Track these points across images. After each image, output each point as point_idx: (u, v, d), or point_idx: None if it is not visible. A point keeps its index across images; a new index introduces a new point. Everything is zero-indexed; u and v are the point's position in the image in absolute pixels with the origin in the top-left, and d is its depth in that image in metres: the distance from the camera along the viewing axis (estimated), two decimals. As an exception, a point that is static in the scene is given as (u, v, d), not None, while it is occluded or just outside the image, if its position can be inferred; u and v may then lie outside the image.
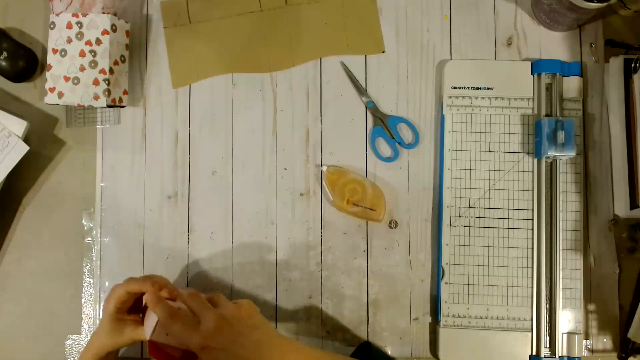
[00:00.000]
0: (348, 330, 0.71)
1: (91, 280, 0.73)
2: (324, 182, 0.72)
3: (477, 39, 0.74)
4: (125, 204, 0.74)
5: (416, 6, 0.75)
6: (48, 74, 0.70)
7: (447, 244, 0.70)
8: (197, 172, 0.74)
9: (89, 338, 0.64)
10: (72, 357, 0.72)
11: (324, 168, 0.72)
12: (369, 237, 0.72)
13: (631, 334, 0.68)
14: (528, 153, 0.71)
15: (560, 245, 0.69)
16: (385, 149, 0.73)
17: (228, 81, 0.75)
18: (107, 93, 0.69)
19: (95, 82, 0.69)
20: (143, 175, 0.74)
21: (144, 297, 0.58)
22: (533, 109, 0.71)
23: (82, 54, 0.69)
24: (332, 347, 0.71)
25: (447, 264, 0.70)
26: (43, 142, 0.75)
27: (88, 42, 0.69)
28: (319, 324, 0.71)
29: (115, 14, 0.70)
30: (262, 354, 0.54)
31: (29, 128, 0.72)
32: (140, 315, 0.61)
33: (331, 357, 0.62)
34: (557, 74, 0.71)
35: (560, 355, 0.67)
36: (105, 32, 0.69)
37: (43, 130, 0.75)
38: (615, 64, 0.72)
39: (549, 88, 0.71)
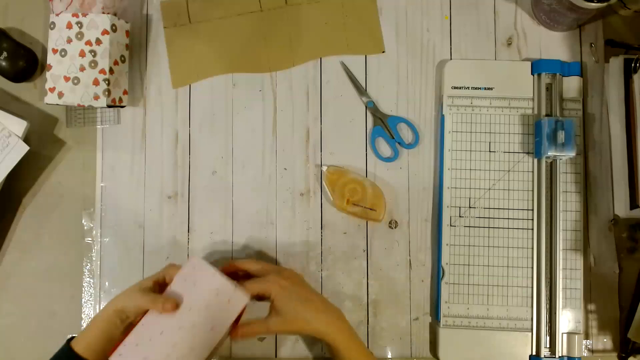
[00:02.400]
0: (348, 330, 0.71)
1: (91, 280, 0.73)
2: (324, 182, 0.72)
3: (477, 39, 0.74)
4: (125, 204, 0.74)
5: (416, 6, 0.75)
6: (48, 74, 0.70)
7: (447, 244, 0.70)
8: (197, 172, 0.74)
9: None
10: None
11: (324, 168, 0.72)
12: (369, 237, 0.72)
13: (631, 334, 0.68)
14: (528, 153, 0.71)
15: (560, 245, 0.69)
16: (385, 149, 0.73)
17: (228, 81, 0.75)
18: (107, 93, 0.69)
19: (95, 82, 0.69)
20: (143, 175, 0.74)
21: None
22: (533, 109, 0.71)
23: (82, 54, 0.69)
24: (332, 347, 0.71)
25: (447, 264, 0.70)
26: (43, 142, 0.75)
27: (88, 42, 0.69)
28: (319, 324, 0.71)
29: (115, 14, 0.70)
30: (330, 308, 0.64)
31: (29, 128, 0.72)
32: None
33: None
34: (557, 74, 0.71)
35: (560, 355, 0.67)
36: (105, 32, 0.69)
37: (43, 130, 0.75)
38: (615, 64, 0.72)
39: (549, 88, 0.71)
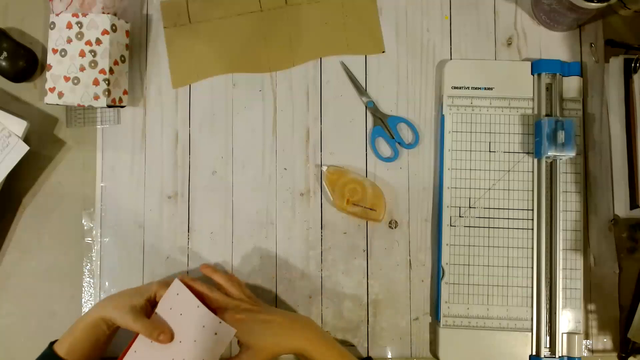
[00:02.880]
0: (348, 330, 0.71)
1: (91, 280, 0.73)
2: (324, 182, 0.72)
3: (477, 39, 0.74)
4: (125, 204, 0.74)
5: (416, 6, 0.75)
6: (48, 74, 0.70)
7: (447, 244, 0.70)
8: (197, 172, 0.74)
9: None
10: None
11: (324, 168, 0.72)
12: (369, 237, 0.72)
13: (631, 334, 0.68)
14: (528, 153, 0.71)
15: (560, 245, 0.69)
16: (385, 149, 0.73)
17: (228, 81, 0.75)
18: (107, 93, 0.69)
19: (95, 82, 0.69)
20: (143, 175, 0.74)
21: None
22: (533, 109, 0.71)
23: (82, 54, 0.69)
24: (332, 347, 0.71)
25: (447, 264, 0.70)
26: (43, 142, 0.75)
27: (88, 42, 0.69)
28: (319, 324, 0.71)
29: (115, 14, 0.70)
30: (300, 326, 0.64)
31: (29, 128, 0.72)
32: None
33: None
34: (557, 74, 0.71)
35: (560, 355, 0.67)
36: (105, 32, 0.69)
37: (43, 130, 0.75)
38: (615, 64, 0.72)
39: (549, 88, 0.71)
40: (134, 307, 0.62)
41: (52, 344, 0.63)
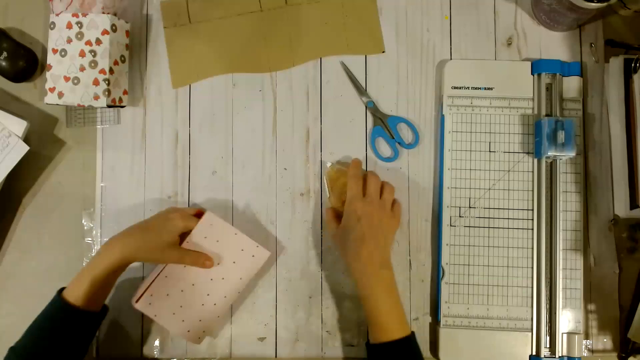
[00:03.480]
0: (348, 330, 0.71)
1: (91, 280, 0.73)
2: (324, 178, 0.72)
3: (477, 39, 0.74)
4: (125, 204, 0.74)
5: (416, 6, 0.75)
6: (48, 74, 0.70)
7: (447, 244, 0.70)
8: (197, 172, 0.74)
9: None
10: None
11: (328, 164, 0.72)
12: (369, 237, 0.72)
13: (631, 334, 0.68)
14: (528, 153, 0.71)
15: (560, 245, 0.69)
16: (385, 149, 0.73)
17: (228, 81, 0.75)
18: (107, 93, 0.69)
19: (95, 82, 0.69)
20: (143, 175, 0.74)
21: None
22: (533, 109, 0.71)
23: (82, 54, 0.69)
24: (332, 347, 0.71)
25: (447, 264, 0.70)
26: (43, 142, 0.75)
27: (88, 42, 0.69)
28: (319, 324, 0.71)
29: (115, 14, 0.70)
30: (372, 249, 0.64)
31: (29, 128, 0.72)
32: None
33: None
34: (557, 74, 0.71)
35: (560, 355, 0.67)
36: (105, 32, 0.69)
37: (43, 130, 0.75)
38: (615, 64, 0.72)
39: (549, 88, 0.71)
40: (170, 244, 0.65)
41: (60, 291, 0.63)
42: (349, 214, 0.66)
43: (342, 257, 0.67)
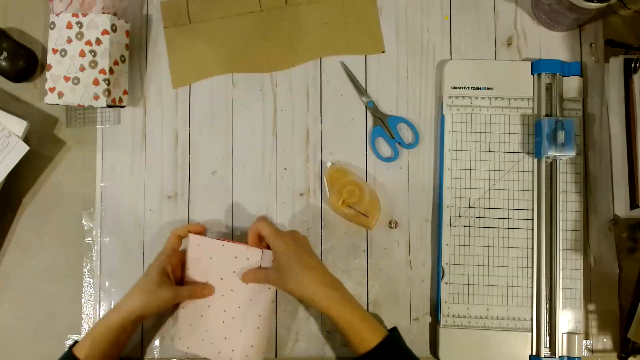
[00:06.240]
0: (348, 330, 0.71)
1: (91, 280, 0.73)
2: (324, 178, 0.72)
3: (477, 39, 0.74)
4: (125, 204, 0.74)
5: (416, 6, 0.75)
6: (48, 74, 0.70)
7: (447, 244, 0.70)
8: (197, 172, 0.74)
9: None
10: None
11: (329, 164, 0.72)
12: (369, 237, 0.72)
13: (631, 334, 0.68)
14: (528, 153, 0.71)
15: (560, 245, 0.69)
16: (385, 149, 0.73)
17: (228, 81, 0.75)
18: (107, 93, 0.69)
19: (95, 82, 0.69)
20: (143, 175, 0.74)
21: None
22: (533, 109, 0.71)
23: (82, 54, 0.69)
24: (332, 347, 0.71)
25: (447, 264, 0.70)
26: (43, 142, 0.75)
27: (88, 42, 0.69)
28: (319, 324, 0.71)
29: (115, 14, 0.70)
30: (316, 273, 0.64)
31: (29, 128, 0.72)
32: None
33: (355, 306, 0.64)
34: (557, 74, 0.71)
35: (560, 355, 0.67)
36: (105, 32, 0.69)
37: (43, 130, 0.75)
38: (615, 64, 0.72)
39: (549, 88, 0.71)
40: (162, 284, 0.65)
41: (72, 347, 0.63)
42: (280, 251, 0.64)
43: (296, 293, 0.63)
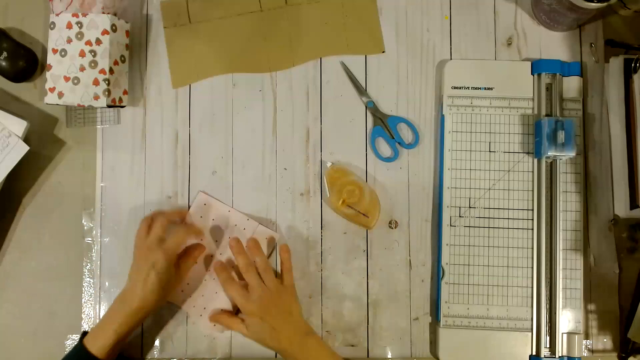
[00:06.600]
0: (348, 330, 0.71)
1: (91, 280, 0.73)
2: (324, 178, 0.72)
3: (477, 39, 0.74)
4: (125, 204, 0.74)
5: (416, 6, 0.75)
6: (48, 74, 0.70)
7: (447, 244, 0.70)
8: (197, 172, 0.74)
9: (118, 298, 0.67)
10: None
11: (329, 164, 0.72)
12: (369, 237, 0.72)
13: (631, 334, 0.68)
14: (528, 153, 0.71)
15: (560, 245, 0.69)
16: (385, 149, 0.73)
17: (228, 81, 0.75)
18: (107, 93, 0.69)
19: (95, 82, 0.69)
20: (143, 175, 0.74)
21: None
22: (533, 109, 0.71)
23: (82, 54, 0.69)
24: (332, 347, 0.71)
25: (447, 264, 0.70)
26: (43, 142, 0.75)
27: (88, 42, 0.69)
28: (319, 324, 0.71)
29: (115, 14, 0.70)
30: (288, 329, 0.66)
31: (29, 128, 0.72)
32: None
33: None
34: (557, 74, 0.71)
35: (560, 355, 0.67)
36: (105, 32, 0.69)
37: (43, 130, 0.75)
38: (615, 64, 0.72)
39: (549, 88, 0.71)
40: (171, 278, 0.66)
41: (82, 337, 0.64)
42: (249, 319, 0.66)
43: (269, 348, 0.68)
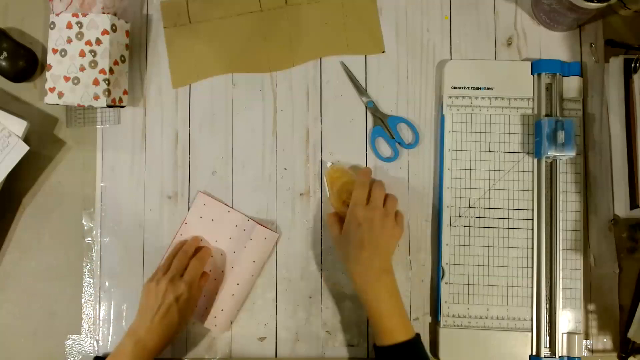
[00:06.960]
0: (348, 330, 0.71)
1: (91, 280, 0.73)
2: (324, 178, 0.72)
3: (477, 39, 0.74)
4: (125, 204, 0.74)
5: (416, 6, 0.75)
6: (48, 74, 0.70)
7: (447, 244, 0.70)
8: (197, 172, 0.74)
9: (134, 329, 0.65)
10: (72, 357, 0.72)
11: (328, 164, 0.72)
12: (369, 237, 0.72)
13: (631, 334, 0.68)
14: (528, 153, 0.71)
15: (560, 245, 0.69)
16: (385, 149, 0.73)
17: (228, 81, 0.75)
18: (107, 93, 0.69)
19: (95, 82, 0.69)
20: (143, 175, 0.74)
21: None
22: (533, 109, 0.71)
23: (82, 54, 0.69)
24: (332, 347, 0.71)
25: (447, 264, 0.70)
26: (43, 142, 0.75)
27: (88, 42, 0.69)
28: (319, 324, 0.71)
29: (115, 14, 0.70)
30: (374, 255, 0.64)
31: (29, 128, 0.72)
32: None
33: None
34: (557, 74, 0.71)
35: (560, 355, 0.67)
36: (105, 32, 0.69)
37: (43, 130, 0.75)
38: (615, 64, 0.72)
39: (549, 88, 0.71)
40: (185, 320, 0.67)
41: None
42: (351, 219, 0.65)
43: (343, 261, 0.67)
